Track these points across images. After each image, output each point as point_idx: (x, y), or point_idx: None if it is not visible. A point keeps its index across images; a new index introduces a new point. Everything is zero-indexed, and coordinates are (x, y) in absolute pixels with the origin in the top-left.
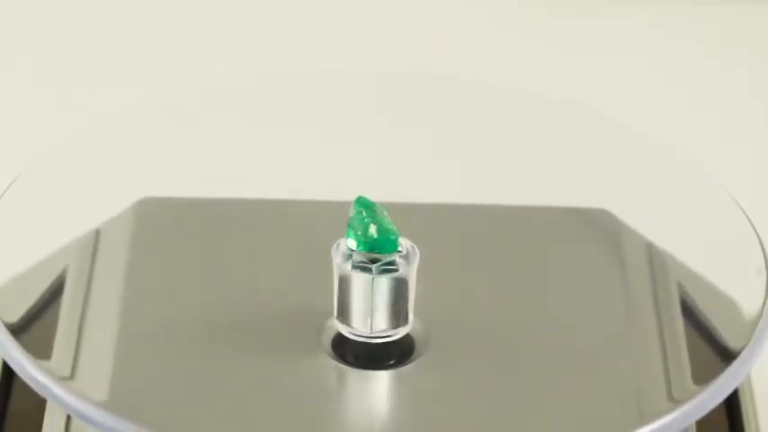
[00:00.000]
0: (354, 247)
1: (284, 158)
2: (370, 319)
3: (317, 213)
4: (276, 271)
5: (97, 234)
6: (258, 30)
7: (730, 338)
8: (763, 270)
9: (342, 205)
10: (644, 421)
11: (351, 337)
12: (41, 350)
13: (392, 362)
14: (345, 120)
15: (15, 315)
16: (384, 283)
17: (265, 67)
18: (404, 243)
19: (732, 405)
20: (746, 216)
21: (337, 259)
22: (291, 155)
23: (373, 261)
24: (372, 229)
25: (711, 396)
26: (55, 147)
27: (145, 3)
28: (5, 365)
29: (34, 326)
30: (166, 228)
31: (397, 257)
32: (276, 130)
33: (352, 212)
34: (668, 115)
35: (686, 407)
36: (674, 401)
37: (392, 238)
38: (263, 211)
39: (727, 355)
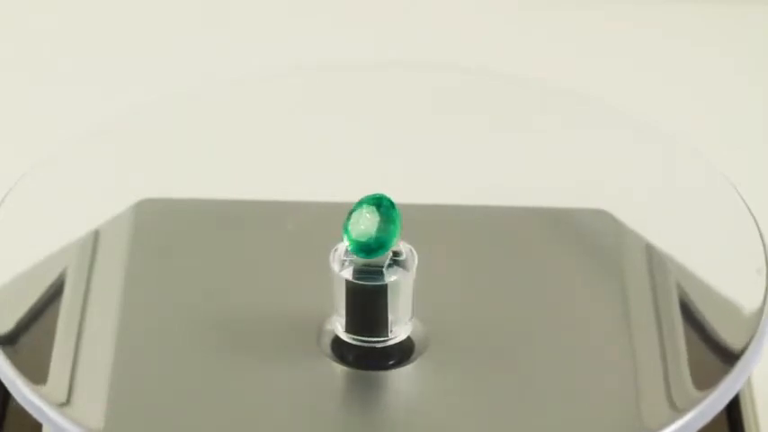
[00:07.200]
0: (347, 248)
1: (284, 159)
2: (365, 322)
3: (317, 215)
4: (276, 272)
5: (96, 235)
6: (257, 29)
7: (730, 339)
8: (764, 270)
9: (342, 207)
10: None
11: (348, 340)
12: (40, 353)
13: (391, 363)
14: (345, 120)
15: (15, 316)
16: (368, 288)
17: (265, 67)
18: (402, 247)
19: (732, 405)
20: (751, 214)
21: (333, 263)
22: (291, 156)
23: (363, 265)
24: (365, 229)
25: (712, 404)
26: (55, 147)
27: (146, 3)
28: None
29: (33, 327)
30: (166, 229)
31: (388, 262)
32: (276, 130)
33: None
34: (668, 115)
35: (688, 416)
36: (675, 410)
37: (384, 241)
38: (263, 213)
39: (726, 356)
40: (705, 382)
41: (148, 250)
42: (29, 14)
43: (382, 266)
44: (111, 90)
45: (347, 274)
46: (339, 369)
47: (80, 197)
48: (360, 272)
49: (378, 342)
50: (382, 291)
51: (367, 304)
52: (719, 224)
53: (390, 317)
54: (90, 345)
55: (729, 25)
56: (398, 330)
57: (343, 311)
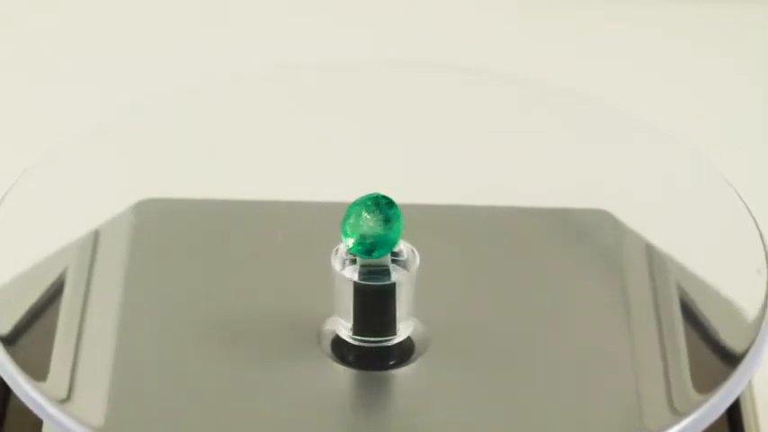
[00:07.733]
0: (349, 247)
1: (284, 159)
2: (372, 322)
3: (317, 215)
4: (277, 272)
5: (96, 235)
6: (257, 29)
7: (730, 340)
8: (764, 270)
9: (343, 207)
10: None
11: (349, 340)
12: (40, 354)
13: (392, 363)
14: (344, 120)
15: (15, 316)
16: (376, 288)
17: (265, 67)
18: (403, 247)
19: (732, 406)
20: (750, 213)
21: (334, 263)
22: (291, 156)
23: (366, 265)
24: (367, 228)
25: (713, 407)
26: (54, 147)
27: (146, 3)
28: None
29: (33, 328)
30: (166, 229)
31: (389, 261)
32: (276, 130)
33: (353, 210)
34: (668, 115)
35: (688, 420)
36: (676, 413)
37: (386, 240)
38: (264, 213)
39: (727, 358)
40: (706, 383)
41: (148, 250)
42: (29, 14)
43: (387, 265)
44: (111, 90)
45: (353, 275)
46: (340, 369)
47: (80, 197)
48: (364, 272)
49: (384, 341)
50: (389, 290)
51: (373, 304)
52: (719, 224)
53: (406, 308)
54: (90, 345)
55: (729, 25)
56: (400, 330)
57: (344, 311)
